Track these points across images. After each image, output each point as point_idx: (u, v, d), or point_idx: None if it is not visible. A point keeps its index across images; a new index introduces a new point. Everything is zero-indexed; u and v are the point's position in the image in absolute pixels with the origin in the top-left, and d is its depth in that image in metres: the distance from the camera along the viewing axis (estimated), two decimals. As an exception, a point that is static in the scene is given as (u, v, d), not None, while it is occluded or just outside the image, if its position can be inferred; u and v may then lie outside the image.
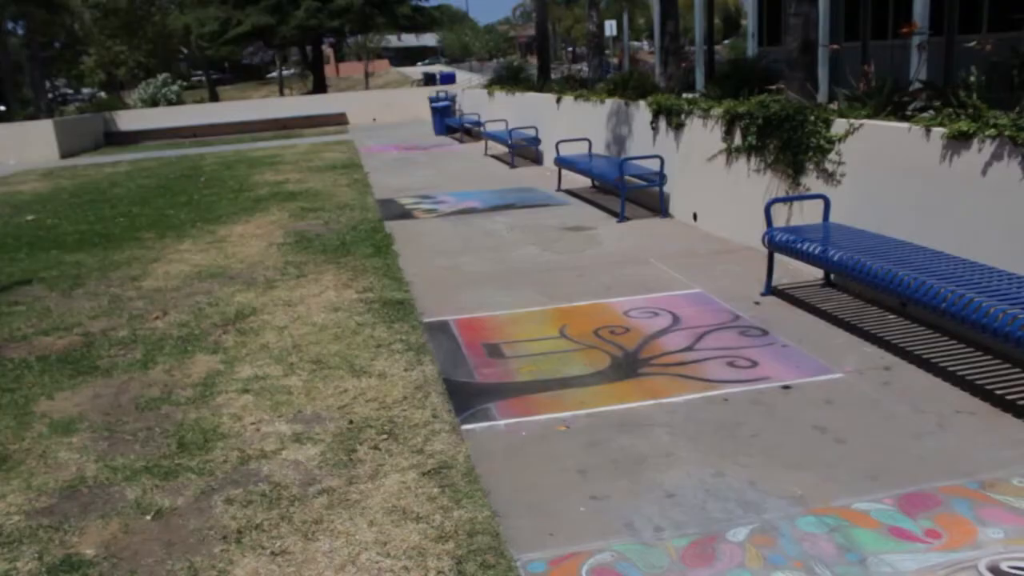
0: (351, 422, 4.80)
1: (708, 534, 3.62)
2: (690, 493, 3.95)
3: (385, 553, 3.57)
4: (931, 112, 6.48)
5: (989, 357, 5.40)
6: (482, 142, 18.56)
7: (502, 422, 4.76)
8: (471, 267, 8.22)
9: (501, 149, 17.02)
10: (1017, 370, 5.19)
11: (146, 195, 14.19)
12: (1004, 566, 3.34)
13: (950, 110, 6.12)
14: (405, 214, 11.18)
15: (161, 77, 34.40)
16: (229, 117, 28.16)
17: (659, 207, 10.30)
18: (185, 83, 44.11)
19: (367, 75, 59.45)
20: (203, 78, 55.95)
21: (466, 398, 5.08)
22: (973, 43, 6.64)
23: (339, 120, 28.32)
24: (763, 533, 3.61)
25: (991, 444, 4.31)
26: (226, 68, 70.47)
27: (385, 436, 4.62)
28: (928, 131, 6.05)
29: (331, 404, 5.06)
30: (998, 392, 4.90)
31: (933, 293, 4.99)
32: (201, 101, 39.92)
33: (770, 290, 6.92)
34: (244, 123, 27.61)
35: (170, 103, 32.01)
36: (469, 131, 20.80)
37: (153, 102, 32.13)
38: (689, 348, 5.74)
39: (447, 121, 22.48)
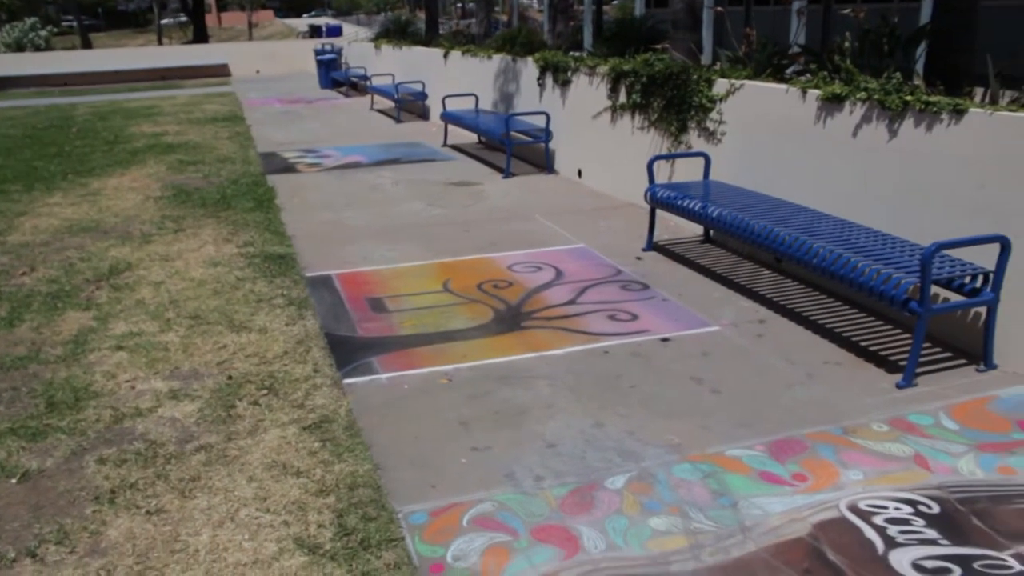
0: (230, 378, 4.71)
1: (587, 483, 3.69)
2: (570, 443, 4.01)
3: (265, 508, 3.52)
4: (808, 75, 6.66)
5: (856, 311, 5.63)
6: (368, 96, 18.28)
7: (384, 376, 4.74)
8: (355, 221, 8.12)
9: (387, 104, 16.81)
10: (881, 323, 5.43)
11: (11, 145, 13.47)
12: (862, 505, 3.52)
13: (825, 73, 6.30)
14: (288, 168, 10.94)
15: (29, 21, 32.68)
16: (104, 66, 26.88)
17: (545, 163, 10.35)
18: (55, 29, 41.98)
19: (251, 26, 57.69)
20: (74, 24, 53.36)
21: (348, 352, 5.03)
22: (848, 11, 6.83)
23: (221, 72, 27.42)
24: (640, 480, 3.70)
25: (855, 393, 4.51)
26: (100, 14, 67.37)
27: (265, 391, 4.55)
28: (804, 93, 6.22)
29: (210, 360, 4.95)
30: (863, 344, 5.13)
31: (808, 250, 5.16)
32: (72, 48, 38.07)
33: (651, 245, 7.05)
34: (120, 72, 26.44)
35: (38, 49, 30.45)
36: (355, 85, 20.45)
37: (19, 47, 30.51)
38: (571, 302, 5.81)
39: (333, 75, 22.04)
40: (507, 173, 10.13)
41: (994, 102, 5.23)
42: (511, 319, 5.53)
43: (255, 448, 3.99)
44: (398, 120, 15.22)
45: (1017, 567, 3.15)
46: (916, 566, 3.15)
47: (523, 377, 4.70)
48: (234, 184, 9.85)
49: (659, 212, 7.05)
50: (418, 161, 11.28)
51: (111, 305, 5.90)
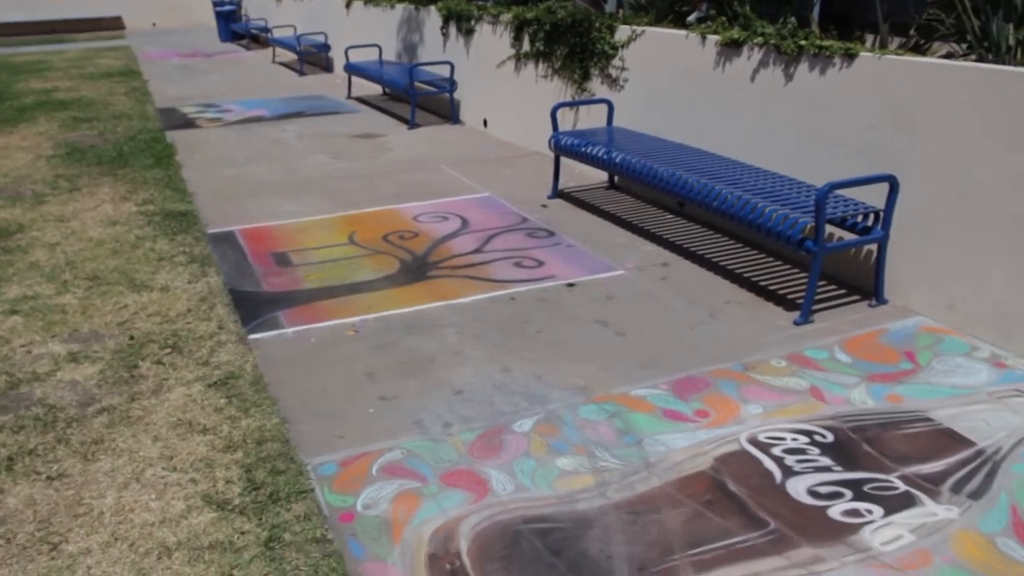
0: (132, 338, 4.61)
1: (495, 427, 3.74)
2: (478, 389, 4.05)
3: (171, 467, 3.49)
4: (709, 22, 6.73)
5: (756, 252, 5.78)
6: (270, 49, 17.84)
7: (290, 330, 4.70)
8: (258, 176, 7.96)
9: (290, 56, 16.43)
10: (779, 263, 5.58)
11: None
12: (762, 437, 3.64)
13: (724, 19, 6.38)
14: (188, 123, 10.65)
15: None
16: (-15, 19, 25.69)
17: (450, 114, 10.29)
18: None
19: (144, -23, 55.55)
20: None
21: (253, 308, 4.97)
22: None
23: (114, 24, 26.38)
24: (547, 423, 3.76)
25: (755, 331, 4.64)
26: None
27: (169, 350, 4.47)
28: (704, 39, 6.29)
29: (110, 321, 4.84)
30: (763, 283, 5.27)
31: (709, 193, 5.26)
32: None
33: (556, 193, 7.09)
34: (4, 25, 25.28)
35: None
36: (256, 38, 19.92)
37: None
38: (477, 250, 5.83)
39: (233, 27, 21.41)
40: (412, 124, 10.04)
41: (883, 47, 5.37)
42: (417, 269, 5.52)
43: (160, 408, 3.93)
44: (301, 73, 14.91)
45: (903, 487, 3.31)
46: (812, 492, 3.29)
47: (430, 326, 4.72)
48: (131, 141, 9.55)
49: (564, 160, 7.09)
50: (322, 114, 11.09)
51: (3, 268, 5.70)
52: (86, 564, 2.95)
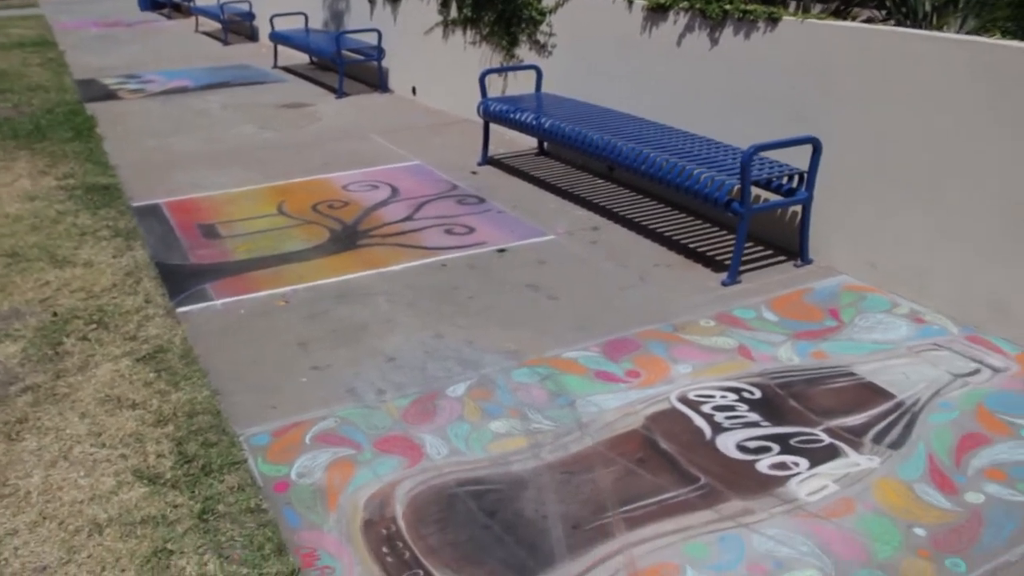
0: (55, 314, 4.51)
1: (428, 392, 3.75)
2: (410, 356, 4.06)
3: (100, 444, 3.43)
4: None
5: (685, 215, 5.85)
6: (192, 18, 17.42)
7: (219, 302, 4.64)
8: (183, 148, 7.81)
9: (214, 25, 16.07)
10: (708, 225, 5.66)
11: None
12: (692, 395, 3.71)
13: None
14: (109, 95, 10.37)
15: None
16: None
17: (378, 82, 10.18)
18: None
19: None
20: None
21: (181, 281, 4.90)
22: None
23: (27, -7, 25.54)
24: (480, 387, 3.79)
25: (684, 292, 4.71)
26: None
27: (94, 326, 4.39)
28: (630, 4, 6.30)
29: (31, 298, 4.72)
30: (692, 246, 5.34)
31: (638, 157, 5.30)
32: None
33: (487, 159, 7.08)
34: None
35: None
36: (178, 6, 19.42)
37: None
38: (408, 218, 5.81)
39: (152, -5, 20.88)
40: (340, 93, 9.92)
41: (806, 11, 5.45)
42: (347, 238, 5.48)
43: (86, 384, 3.86)
44: (225, 42, 14.60)
45: (827, 440, 3.41)
46: (740, 447, 3.37)
47: (361, 294, 4.70)
48: (49, 114, 9.27)
49: (494, 126, 7.08)
50: (248, 84, 10.89)
51: (-83, 246, 5.53)
52: (13, 545, 2.89)
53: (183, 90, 10.56)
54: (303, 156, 7.40)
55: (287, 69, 11.80)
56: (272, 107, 9.46)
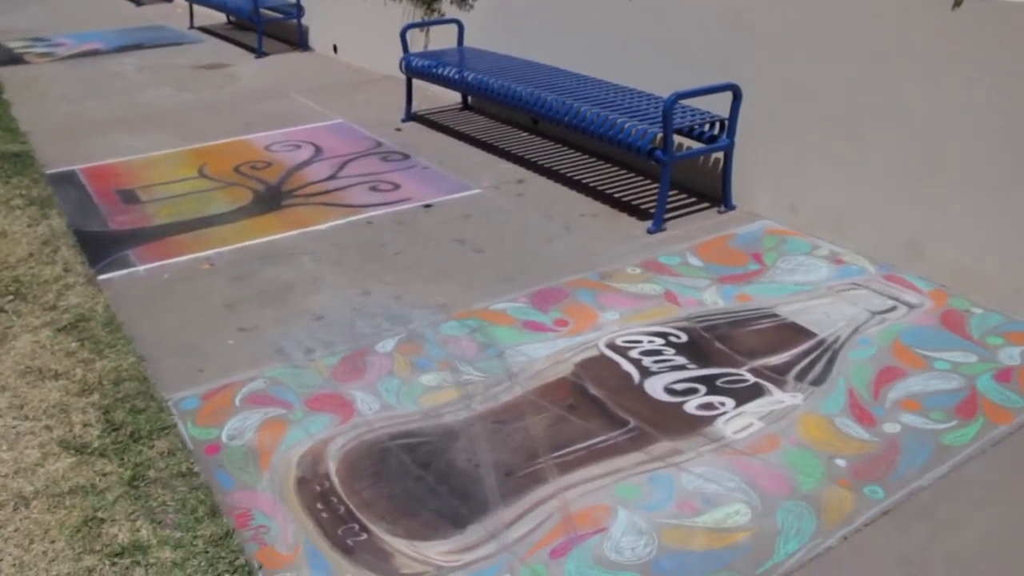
0: (-32, 287, 4.39)
1: (358, 349, 3.74)
2: (338, 314, 4.04)
3: (23, 416, 3.36)
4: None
5: (609, 165, 5.89)
6: (101, -22, 16.87)
7: (142, 268, 4.55)
8: (98, 113, 7.58)
9: (124, -14, 15.59)
10: (632, 175, 5.71)
11: None
12: (619, 341, 3.77)
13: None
14: (16, 59, 10.00)
15: None
16: None
17: (298, 40, 10.00)
18: None
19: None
20: None
21: (101, 248, 4.79)
22: None
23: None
24: (410, 342, 3.79)
25: (610, 241, 4.76)
26: None
27: (11, 297, 4.27)
28: (548, -48, 6.27)
29: (-59, 272, 4.58)
30: (617, 195, 5.39)
31: (561, 108, 5.30)
32: None
33: (410, 116, 7.03)
34: None
35: None
36: (85, -33, 18.79)
37: None
38: (332, 177, 5.75)
39: (58, -44, 20.12)
40: (259, 53, 9.71)
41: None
42: (271, 199, 5.41)
43: (5, 357, 3.76)
44: (139, 3, 14.18)
45: (752, 379, 3.49)
46: (668, 390, 3.43)
47: (287, 255, 4.65)
48: (-50, 81, 8.94)
49: (417, 82, 7.01)
50: (163, 45, 10.60)
51: None
52: (-65, 521, 2.84)
53: (95, 53, 10.24)
54: (223, 117, 7.26)
55: (204, 29, 11.51)
56: (190, 68, 9.23)
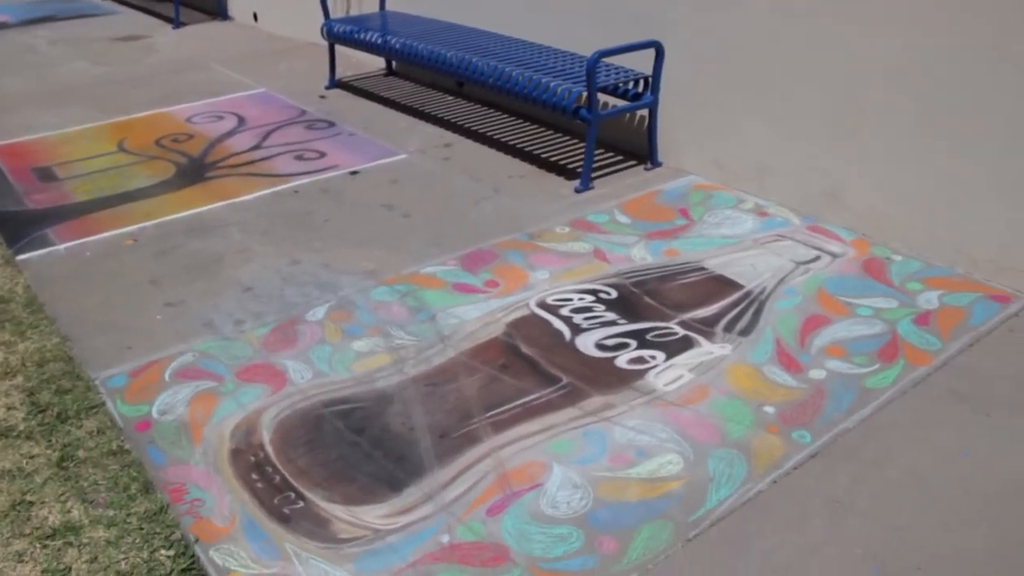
0: None
1: (288, 319, 3.71)
2: (267, 284, 4.00)
3: (-57, 402, 3.28)
4: None
5: (536, 126, 5.89)
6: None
7: (62, 246, 4.44)
8: (9, 88, 7.34)
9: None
10: (559, 135, 5.72)
11: None
12: (550, 300, 3.79)
13: None
14: (-82, 37, 9.65)
15: None
16: None
17: (217, 9, 9.78)
18: None
19: None
20: None
21: (18, 227, 4.66)
22: None
23: None
24: (340, 309, 3.77)
25: (538, 201, 4.77)
26: None
27: (-75, 281, 4.15)
28: (467, -88, 6.20)
29: None
30: (544, 156, 5.39)
31: (484, 70, 5.27)
32: None
33: (334, 83, 6.93)
34: None
35: None
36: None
37: None
38: (256, 147, 5.66)
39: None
40: (177, 23, 9.48)
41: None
42: (195, 171, 5.31)
43: (-78, 342, 3.66)
44: (47, -25, 13.72)
45: (682, 332, 3.54)
46: (599, 346, 3.46)
47: (213, 227, 4.58)
48: None
49: (340, 49, 6.91)
50: (76, 17, 10.28)
51: None
52: None
53: (3, 27, 9.89)
54: (142, 90, 7.08)
55: (119, 0, 11.19)
56: (105, 41, 8.98)
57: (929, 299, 3.76)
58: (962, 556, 2.47)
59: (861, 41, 4.14)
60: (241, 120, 6.19)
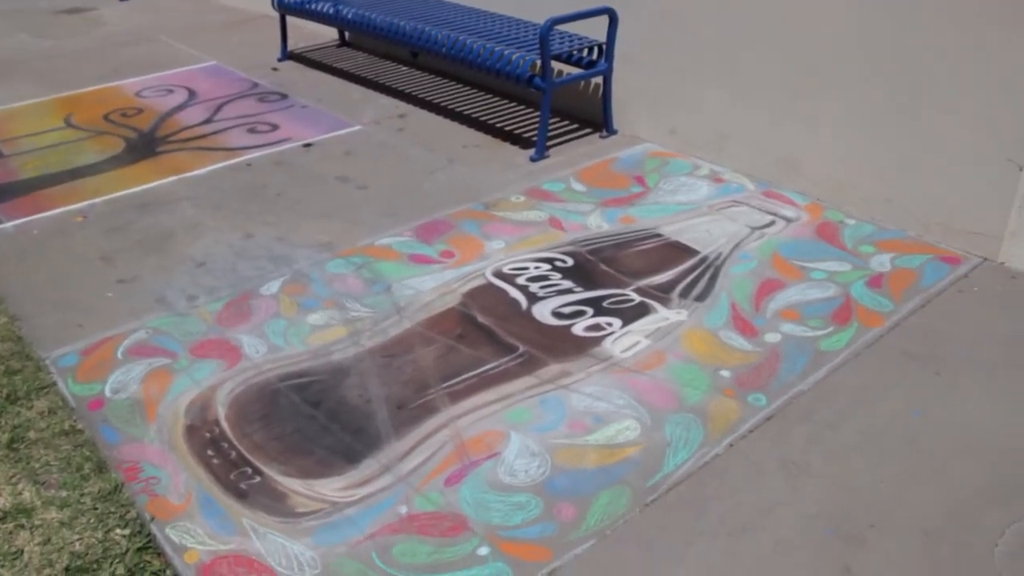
0: None
1: (242, 293, 3.67)
2: (220, 259, 3.95)
3: None
4: None
5: (490, 96, 5.86)
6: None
7: (9, 224, 4.35)
8: (-48, 65, 7.18)
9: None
10: (514, 104, 5.69)
11: None
12: (506, 269, 3.79)
13: None
14: None
15: None
16: None
17: (165, -19, 9.59)
18: None
19: None
20: None
21: (-37, 206, 4.57)
22: None
23: None
24: (295, 282, 3.74)
25: (493, 171, 4.75)
26: None
27: None
28: None
29: None
30: (499, 126, 5.37)
31: (437, 40, 5.22)
32: None
33: (286, 55, 6.83)
34: None
35: None
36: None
37: None
38: (208, 120, 5.57)
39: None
40: (124, -5, 9.29)
41: None
42: (145, 146, 5.22)
43: None
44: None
45: (638, 298, 3.55)
46: (556, 314, 3.47)
47: (164, 202, 4.51)
48: None
49: (293, 20, 6.81)
50: (18, -9, 10.04)
51: None
52: None
53: (-60, 0, 9.62)
54: (89, 64, 6.93)
55: (63, -28, 10.93)
56: (48, 13, 8.77)
57: (881, 262, 3.80)
58: (915, 514, 2.51)
59: (814, 7, 4.14)
60: (192, 93, 6.09)
